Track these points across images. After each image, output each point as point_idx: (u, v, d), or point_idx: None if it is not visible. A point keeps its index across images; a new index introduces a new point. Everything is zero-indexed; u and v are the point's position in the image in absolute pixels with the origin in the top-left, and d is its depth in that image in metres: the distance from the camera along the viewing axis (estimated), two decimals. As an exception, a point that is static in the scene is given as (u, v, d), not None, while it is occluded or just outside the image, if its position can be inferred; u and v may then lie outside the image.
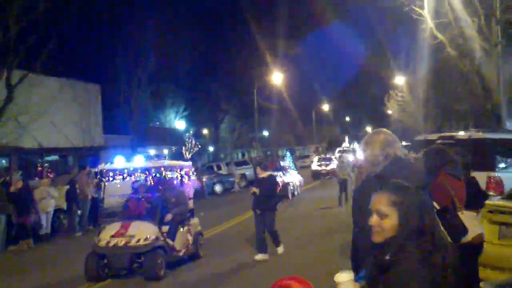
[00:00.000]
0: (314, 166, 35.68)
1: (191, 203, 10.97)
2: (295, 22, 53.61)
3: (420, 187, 2.58)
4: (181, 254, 9.71)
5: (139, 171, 10.14)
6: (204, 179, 26.03)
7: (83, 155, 21.23)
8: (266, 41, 43.44)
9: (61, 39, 22.41)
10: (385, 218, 2.33)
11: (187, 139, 42.20)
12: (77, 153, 21.37)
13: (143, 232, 9.07)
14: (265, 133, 61.54)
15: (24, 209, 13.28)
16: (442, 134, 10.27)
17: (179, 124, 42.05)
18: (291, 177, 23.25)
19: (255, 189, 10.18)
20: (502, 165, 9.04)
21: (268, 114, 55.10)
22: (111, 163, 10.36)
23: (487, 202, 5.77)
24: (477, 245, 4.81)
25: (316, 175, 34.13)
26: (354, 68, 56.49)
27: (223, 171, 31.03)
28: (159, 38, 31.88)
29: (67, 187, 15.61)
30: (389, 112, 42.77)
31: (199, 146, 43.50)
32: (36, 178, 16.41)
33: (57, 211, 15.24)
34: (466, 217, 4.58)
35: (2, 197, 12.94)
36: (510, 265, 5.05)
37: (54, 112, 24.15)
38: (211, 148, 50.40)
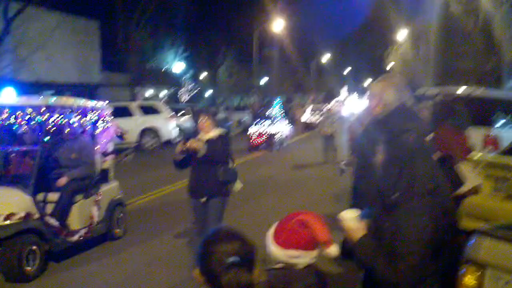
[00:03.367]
0: (305, 117, 34.03)
1: (109, 161, 7.68)
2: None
3: (423, 136, 2.59)
4: (75, 238, 6.55)
5: (7, 110, 6.29)
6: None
7: (80, 91, 21.15)
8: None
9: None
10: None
11: (184, 82, 41.91)
12: (73, 89, 21.29)
13: (6, 205, 5.81)
14: (264, 80, 61.11)
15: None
16: (443, 90, 10.29)
17: (178, 65, 41.64)
18: (278, 128, 20.73)
19: (195, 143, 5.48)
20: (499, 123, 9.27)
21: (268, 61, 54.62)
22: None
23: (484, 156, 6.04)
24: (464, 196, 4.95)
25: (307, 126, 32.70)
26: (356, 19, 55.69)
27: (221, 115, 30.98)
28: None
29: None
30: (389, 66, 42.50)
31: (197, 89, 43.21)
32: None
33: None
34: (466, 168, 4.70)
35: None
36: (502, 217, 5.26)
37: (51, 47, 23.88)
38: (208, 92, 50.16)
